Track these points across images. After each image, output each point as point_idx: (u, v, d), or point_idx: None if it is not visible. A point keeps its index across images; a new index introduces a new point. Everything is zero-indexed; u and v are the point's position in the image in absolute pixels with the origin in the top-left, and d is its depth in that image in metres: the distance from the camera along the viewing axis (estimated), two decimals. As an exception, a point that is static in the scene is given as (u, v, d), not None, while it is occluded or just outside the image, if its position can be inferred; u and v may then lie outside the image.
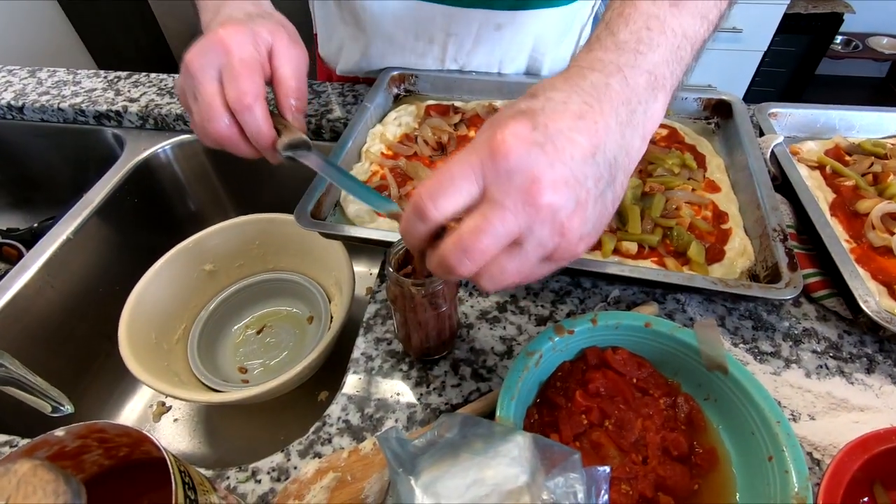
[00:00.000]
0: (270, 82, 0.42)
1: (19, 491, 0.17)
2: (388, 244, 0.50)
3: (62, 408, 0.36)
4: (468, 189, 0.26)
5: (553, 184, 0.25)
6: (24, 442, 0.43)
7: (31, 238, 0.80)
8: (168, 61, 1.93)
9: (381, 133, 0.64)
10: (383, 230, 0.52)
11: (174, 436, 0.66)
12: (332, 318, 0.67)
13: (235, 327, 0.71)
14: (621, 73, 0.29)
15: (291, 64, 0.42)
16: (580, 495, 0.25)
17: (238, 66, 0.38)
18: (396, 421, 0.43)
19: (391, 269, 0.37)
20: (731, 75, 2.02)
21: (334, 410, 0.44)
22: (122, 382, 0.69)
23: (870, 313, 0.44)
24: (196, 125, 0.41)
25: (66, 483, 0.18)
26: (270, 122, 0.40)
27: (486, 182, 0.26)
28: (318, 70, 0.90)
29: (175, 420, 0.67)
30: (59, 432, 0.27)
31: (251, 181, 0.81)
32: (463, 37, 0.70)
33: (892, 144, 0.62)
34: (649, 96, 0.30)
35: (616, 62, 0.30)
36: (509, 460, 0.28)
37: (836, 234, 0.50)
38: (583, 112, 0.27)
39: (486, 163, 0.26)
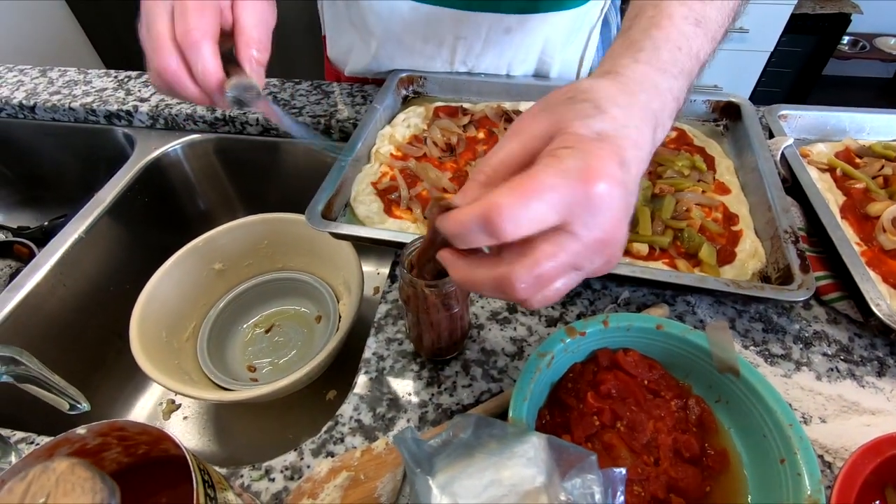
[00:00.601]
0: (231, 32, 0.40)
1: (59, 488, 0.17)
2: (398, 245, 0.51)
3: (79, 405, 0.37)
4: (550, 217, 0.24)
5: (624, 223, 0.26)
6: (41, 439, 0.44)
7: (42, 236, 0.81)
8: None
9: (391, 134, 0.64)
10: (393, 231, 0.52)
11: (184, 433, 0.66)
12: (340, 317, 0.67)
13: (244, 326, 0.72)
14: (661, 99, 0.30)
15: (256, 14, 0.40)
16: (598, 496, 0.26)
17: (190, 2, 0.37)
18: (408, 421, 0.43)
19: (405, 270, 0.37)
20: (738, 75, 2.02)
21: (346, 410, 0.44)
22: (133, 380, 0.70)
23: (881, 316, 0.44)
24: (148, 67, 0.39)
25: (103, 481, 0.18)
26: (219, 61, 0.38)
27: (571, 214, 0.25)
28: (326, 71, 0.90)
29: (185, 418, 0.67)
30: (81, 430, 0.28)
31: (260, 180, 0.82)
32: (472, 40, 0.70)
33: (903, 147, 0.62)
34: (669, 122, 0.31)
35: (660, 86, 0.30)
36: (525, 461, 0.28)
37: (846, 237, 0.50)
38: (638, 142, 0.27)
39: (577, 195, 0.24)
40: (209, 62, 0.37)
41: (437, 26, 0.68)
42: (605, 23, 0.76)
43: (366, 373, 0.47)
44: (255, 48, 0.40)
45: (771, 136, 0.64)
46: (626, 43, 0.32)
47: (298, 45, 1.78)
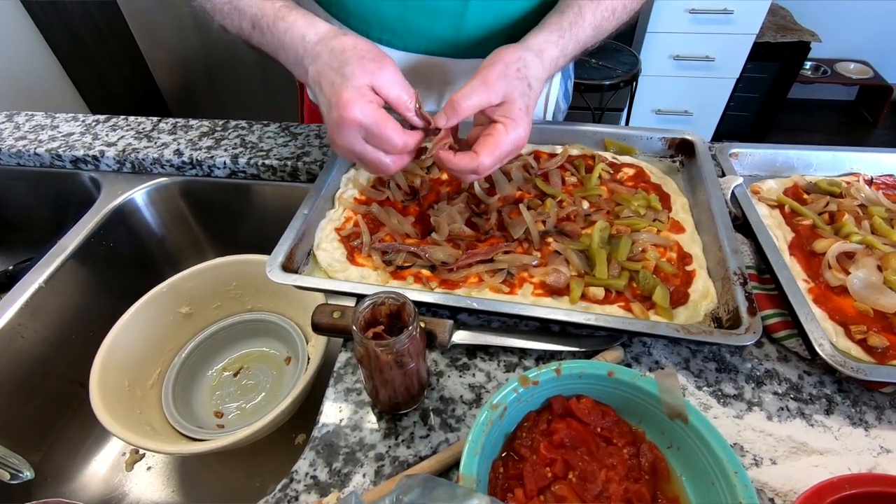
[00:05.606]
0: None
1: None
2: (359, 296, 0.51)
3: (21, 474, 0.36)
4: (503, 159, 0.51)
5: (526, 139, 0.52)
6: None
7: (6, 280, 0.80)
8: (155, 95, 1.94)
9: (355, 178, 0.65)
10: (352, 282, 0.53)
11: (147, 485, 0.64)
12: (308, 358, 0.67)
13: (212, 370, 0.71)
14: (555, 72, 0.56)
15: (393, 84, 0.47)
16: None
17: (377, 130, 0.46)
18: (364, 476, 0.43)
19: (356, 330, 0.38)
20: (707, 101, 2.08)
21: (302, 466, 0.44)
22: (96, 429, 0.68)
23: (824, 356, 0.45)
24: (374, 171, 0.52)
25: None
26: (419, 136, 0.50)
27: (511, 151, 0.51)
28: (305, 113, 0.91)
29: (149, 468, 0.66)
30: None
31: (229, 222, 0.82)
32: (459, 85, 0.70)
33: (847, 183, 0.65)
34: (553, 75, 0.57)
35: (558, 64, 0.56)
36: (463, 529, 0.28)
37: (793, 276, 0.52)
38: (537, 101, 0.53)
39: (514, 148, 0.51)
40: (416, 145, 0.50)
41: (428, 74, 0.69)
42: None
43: (324, 425, 0.47)
44: (413, 107, 0.49)
45: (723, 174, 0.66)
46: (555, 28, 0.55)
47: (279, 87, 1.81)
